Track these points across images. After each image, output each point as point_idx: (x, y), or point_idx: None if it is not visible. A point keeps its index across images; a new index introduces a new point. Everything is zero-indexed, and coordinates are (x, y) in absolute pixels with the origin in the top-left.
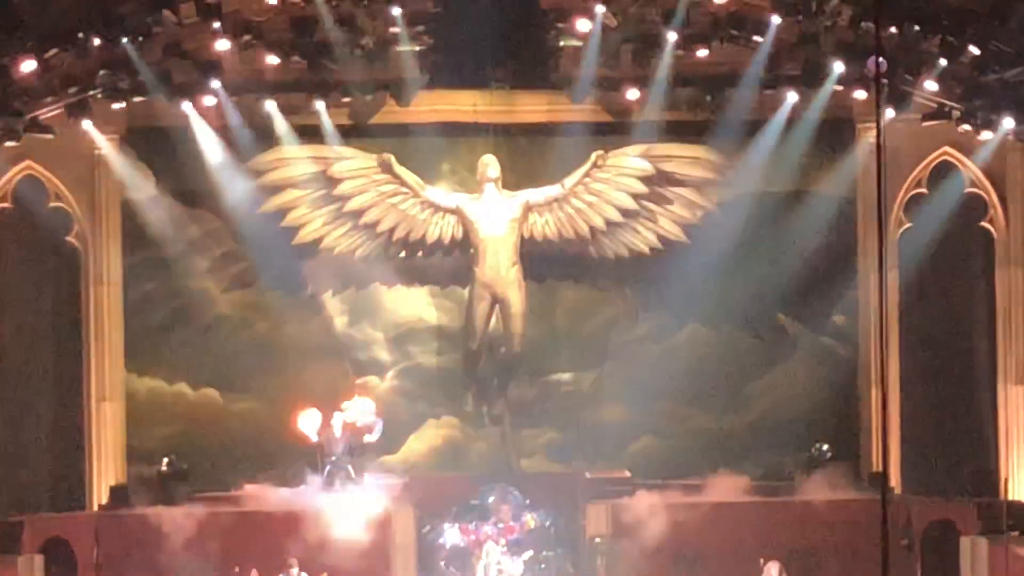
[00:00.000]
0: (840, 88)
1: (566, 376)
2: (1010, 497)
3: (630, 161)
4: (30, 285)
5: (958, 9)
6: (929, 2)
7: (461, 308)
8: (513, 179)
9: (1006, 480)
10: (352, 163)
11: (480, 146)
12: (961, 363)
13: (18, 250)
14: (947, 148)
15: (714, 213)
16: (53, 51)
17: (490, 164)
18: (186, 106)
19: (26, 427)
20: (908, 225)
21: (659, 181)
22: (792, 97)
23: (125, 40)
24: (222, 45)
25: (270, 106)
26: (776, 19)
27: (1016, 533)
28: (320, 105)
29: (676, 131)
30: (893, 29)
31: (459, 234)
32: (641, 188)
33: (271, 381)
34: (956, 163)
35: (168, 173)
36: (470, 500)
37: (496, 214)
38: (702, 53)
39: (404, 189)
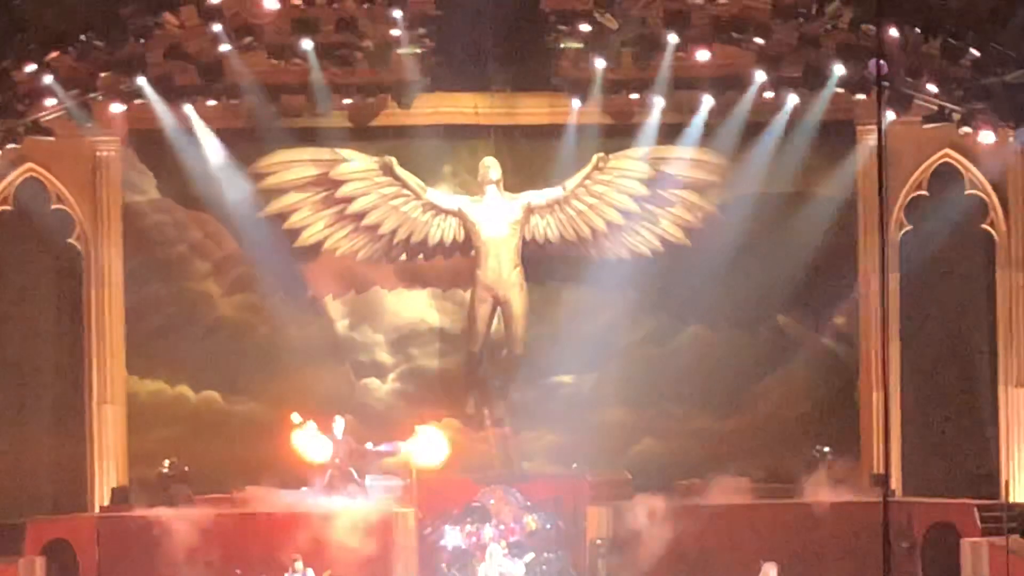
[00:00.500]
0: (841, 90)
1: (567, 378)
2: (1011, 499)
3: (631, 163)
4: (31, 287)
5: (959, 12)
6: (930, 5)
7: (462, 310)
8: (514, 181)
9: (1007, 482)
10: (353, 165)
11: (481, 148)
12: (962, 365)
13: (19, 252)
14: (948, 150)
15: (715, 215)
16: (55, 53)
17: (492, 166)
18: (187, 108)
19: (28, 429)
20: (909, 227)
21: (660, 183)
22: (793, 99)
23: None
24: (223, 48)
25: (271, 108)
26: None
27: (1017, 535)
28: (321, 107)
29: (677, 133)
30: (894, 32)
31: (460, 236)
32: (642, 190)
33: (273, 383)
34: (957, 165)
35: (169, 176)
36: (471, 502)
37: (498, 216)
38: (703, 55)
39: (406, 191)
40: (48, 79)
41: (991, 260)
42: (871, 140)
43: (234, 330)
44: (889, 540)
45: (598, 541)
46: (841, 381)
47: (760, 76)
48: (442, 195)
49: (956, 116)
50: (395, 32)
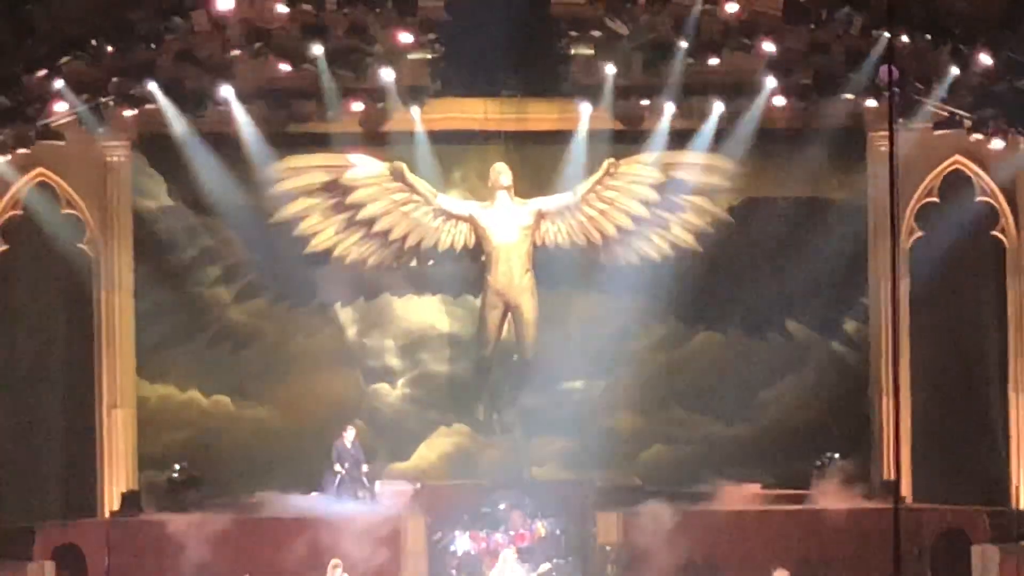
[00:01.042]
0: (852, 97)
1: (578, 384)
2: (1021, 506)
3: (642, 169)
4: (41, 292)
5: (970, 18)
6: (941, 11)
7: (473, 316)
8: (524, 187)
9: (1017, 488)
10: (364, 171)
11: (491, 154)
12: (972, 371)
13: (30, 257)
14: (959, 157)
15: (726, 220)
16: (65, 58)
17: (503, 172)
18: (198, 113)
19: (37, 434)
20: (919, 234)
21: (671, 188)
22: (803, 105)
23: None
24: (233, 52)
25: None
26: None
27: None
28: (332, 113)
29: (687, 139)
30: (905, 38)
31: (471, 242)
32: (653, 196)
33: (283, 388)
34: (967, 172)
35: (180, 181)
36: (481, 508)
37: (508, 222)
38: (713, 61)
39: (416, 197)
40: (58, 84)
41: (1001, 266)
42: (882, 146)
43: (244, 335)
44: (899, 547)
45: (608, 547)
46: (851, 387)
47: (771, 82)
48: (453, 201)
49: (967, 123)
50: (405, 37)
